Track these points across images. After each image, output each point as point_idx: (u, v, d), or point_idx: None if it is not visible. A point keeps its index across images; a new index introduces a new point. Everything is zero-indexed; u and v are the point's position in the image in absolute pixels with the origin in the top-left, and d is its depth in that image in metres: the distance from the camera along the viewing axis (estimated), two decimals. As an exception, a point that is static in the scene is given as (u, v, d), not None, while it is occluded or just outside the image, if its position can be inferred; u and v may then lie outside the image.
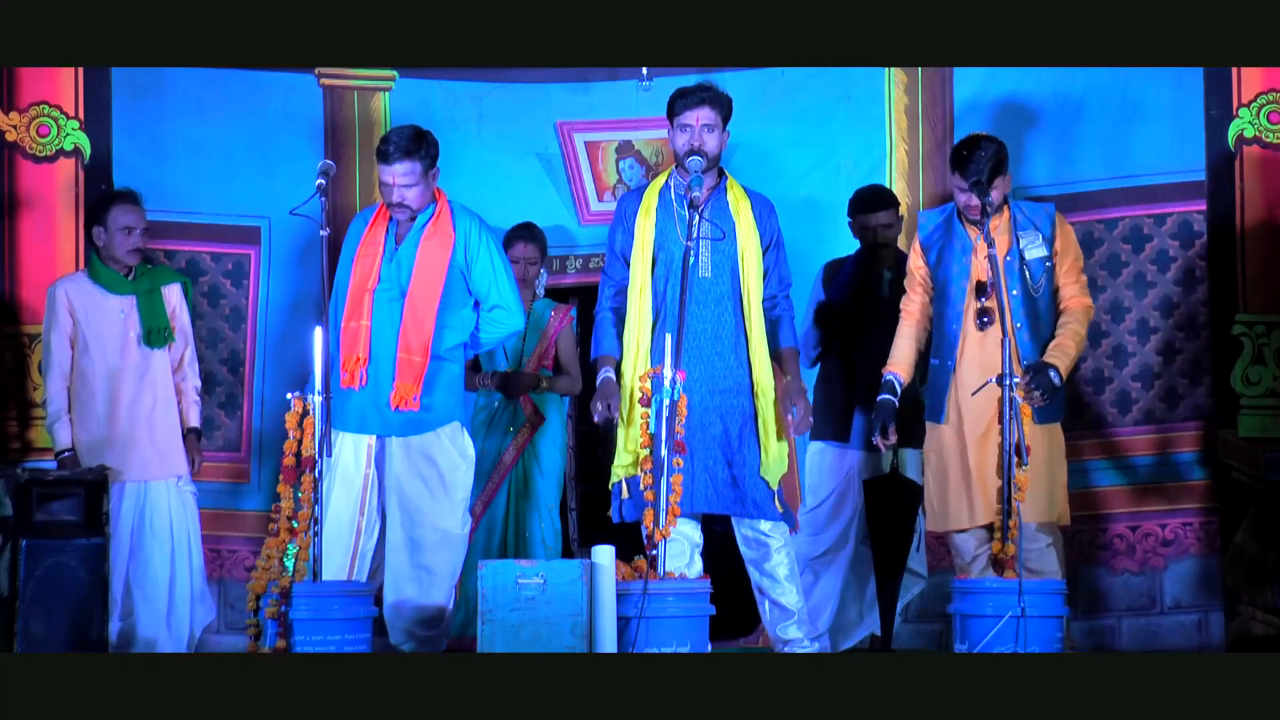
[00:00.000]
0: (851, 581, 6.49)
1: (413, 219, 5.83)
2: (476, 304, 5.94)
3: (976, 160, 5.66)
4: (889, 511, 6.37)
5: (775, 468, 5.58)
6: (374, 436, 5.81)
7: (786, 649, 5.63)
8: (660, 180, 5.76)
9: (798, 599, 5.66)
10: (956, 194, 5.79)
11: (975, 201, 5.67)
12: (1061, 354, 5.69)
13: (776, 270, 5.74)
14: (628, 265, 5.74)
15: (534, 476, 6.81)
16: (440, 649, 5.93)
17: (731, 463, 5.55)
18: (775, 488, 5.57)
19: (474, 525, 6.81)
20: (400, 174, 5.73)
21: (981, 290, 5.72)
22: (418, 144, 5.76)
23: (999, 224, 5.76)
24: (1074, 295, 5.79)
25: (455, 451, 5.88)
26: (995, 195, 5.69)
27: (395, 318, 5.78)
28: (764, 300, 5.71)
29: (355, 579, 5.71)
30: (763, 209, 5.73)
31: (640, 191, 5.79)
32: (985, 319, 5.70)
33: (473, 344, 6.02)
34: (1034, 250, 5.76)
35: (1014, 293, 5.70)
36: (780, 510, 5.56)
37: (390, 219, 5.86)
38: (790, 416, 5.61)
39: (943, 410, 5.77)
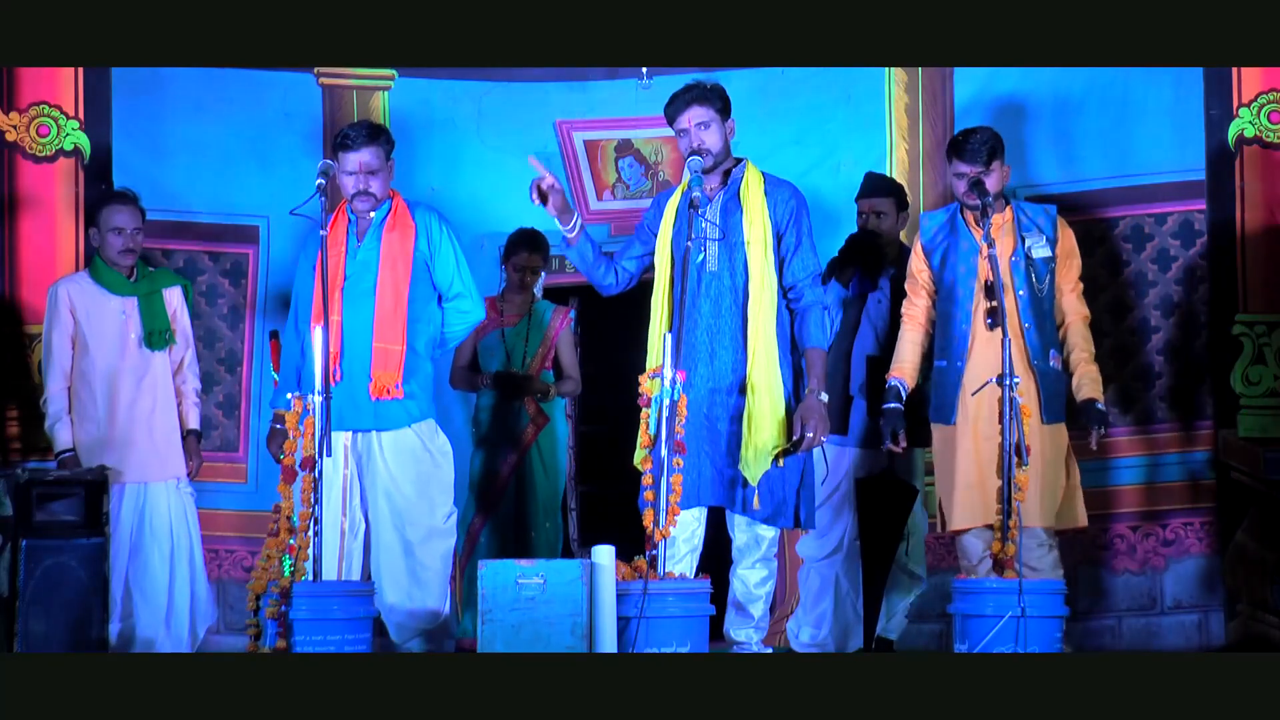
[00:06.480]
0: (850, 582, 6.47)
1: (373, 211, 5.84)
2: (440, 299, 5.96)
3: (973, 143, 5.77)
4: (881, 511, 6.35)
5: (754, 464, 5.42)
6: (349, 434, 5.77)
7: (736, 650, 5.59)
8: (685, 184, 5.66)
9: (762, 609, 5.61)
10: (954, 185, 5.83)
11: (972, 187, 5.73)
12: (1093, 382, 5.79)
13: (797, 256, 5.55)
14: (642, 239, 5.73)
15: (537, 476, 6.81)
16: (449, 647, 5.92)
17: (733, 459, 5.50)
18: (754, 485, 5.42)
19: (479, 526, 6.83)
20: (366, 160, 5.78)
21: (990, 291, 5.73)
22: (378, 132, 5.87)
23: (1002, 223, 5.78)
24: (1075, 306, 5.85)
25: (434, 447, 5.88)
26: (992, 181, 5.74)
27: (366, 312, 5.79)
28: (788, 290, 5.56)
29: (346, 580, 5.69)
30: (777, 196, 5.57)
31: (672, 192, 5.74)
32: (994, 319, 5.69)
33: (441, 340, 6.02)
34: (1040, 250, 5.79)
35: (1021, 293, 5.72)
36: (758, 509, 5.46)
37: (349, 219, 5.86)
38: (795, 436, 5.42)
39: (953, 411, 5.76)
